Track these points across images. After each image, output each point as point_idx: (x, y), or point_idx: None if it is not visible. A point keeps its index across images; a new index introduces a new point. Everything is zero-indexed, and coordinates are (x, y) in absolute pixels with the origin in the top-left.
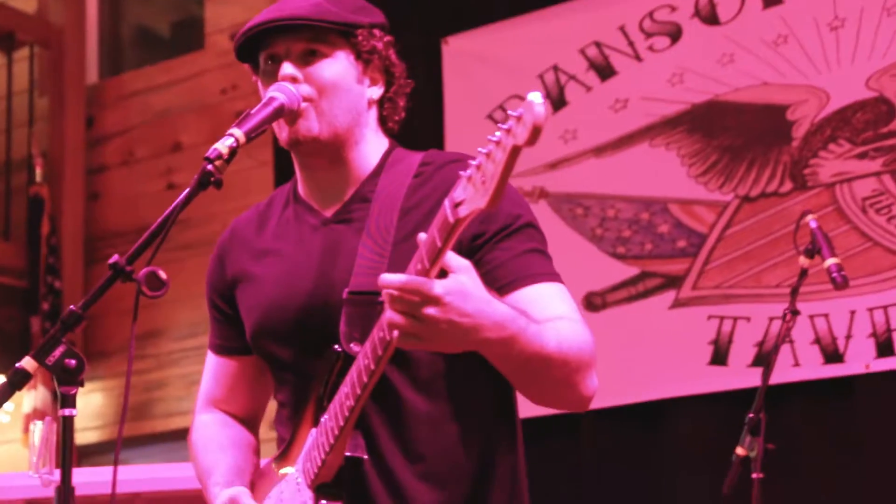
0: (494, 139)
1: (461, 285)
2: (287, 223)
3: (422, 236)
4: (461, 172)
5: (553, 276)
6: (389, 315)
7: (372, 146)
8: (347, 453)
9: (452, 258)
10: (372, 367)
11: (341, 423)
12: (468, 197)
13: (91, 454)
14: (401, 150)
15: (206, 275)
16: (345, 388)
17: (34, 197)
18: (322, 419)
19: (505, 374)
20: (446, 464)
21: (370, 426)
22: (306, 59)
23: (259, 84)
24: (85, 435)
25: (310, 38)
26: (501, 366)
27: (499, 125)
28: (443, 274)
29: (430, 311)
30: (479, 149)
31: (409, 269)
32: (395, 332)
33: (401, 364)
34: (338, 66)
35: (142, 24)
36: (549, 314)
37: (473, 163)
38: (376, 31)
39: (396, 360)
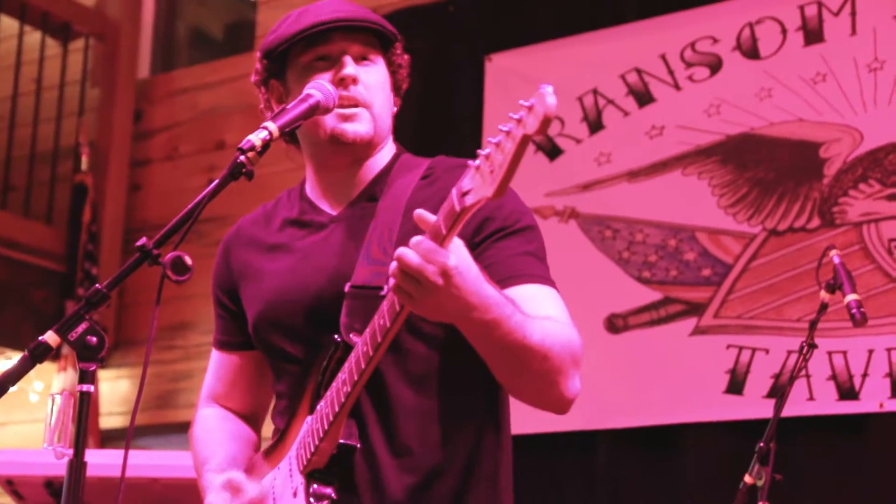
0: (505, 129)
1: (464, 261)
2: (293, 220)
3: (420, 212)
4: (470, 163)
5: (546, 280)
6: (392, 268)
7: (385, 150)
8: (341, 440)
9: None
10: (371, 353)
11: (336, 409)
12: (475, 186)
13: (115, 438)
14: (408, 155)
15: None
16: (342, 375)
17: (78, 185)
18: (318, 406)
19: (485, 359)
20: (431, 459)
21: (363, 416)
22: (357, 62)
23: (268, 82)
24: (110, 419)
25: (364, 42)
26: (481, 347)
27: (510, 115)
28: None
29: (435, 278)
30: (489, 139)
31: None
32: (398, 319)
33: (396, 358)
34: (382, 73)
35: (196, 25)
36: (538, 314)
37: (483, 152)
38: (400, 46)
39: (392, 354)
